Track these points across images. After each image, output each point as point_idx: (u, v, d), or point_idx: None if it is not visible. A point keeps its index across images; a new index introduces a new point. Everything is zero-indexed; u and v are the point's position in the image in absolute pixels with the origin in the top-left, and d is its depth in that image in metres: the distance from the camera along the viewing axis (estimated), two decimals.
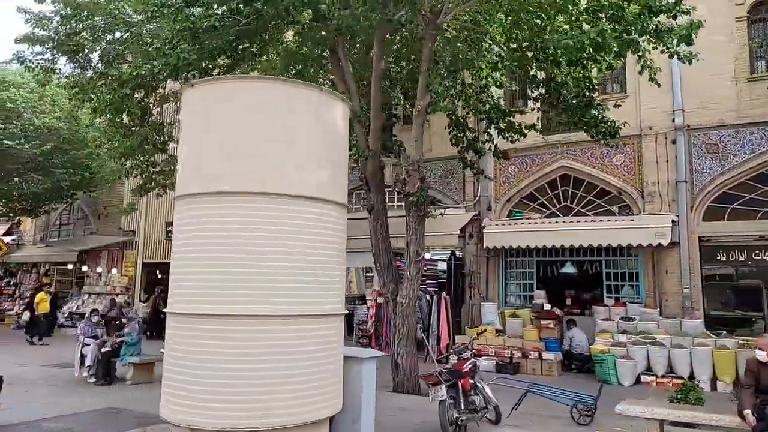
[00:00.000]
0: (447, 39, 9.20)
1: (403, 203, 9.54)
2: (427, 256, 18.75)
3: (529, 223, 14.23)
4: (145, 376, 10.83)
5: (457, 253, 15.26)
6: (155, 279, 22.61)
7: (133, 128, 11.97)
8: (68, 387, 10.35)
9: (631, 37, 7.36)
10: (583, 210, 14.15)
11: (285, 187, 5.40)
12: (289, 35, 11.13)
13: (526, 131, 10.86)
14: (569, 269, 14.32)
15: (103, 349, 10.86)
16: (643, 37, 7.45)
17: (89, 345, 11.03)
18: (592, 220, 13.49)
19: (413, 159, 8.84)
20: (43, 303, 17.77)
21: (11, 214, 22.93)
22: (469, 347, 8.02)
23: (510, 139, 11.19)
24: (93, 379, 10.74)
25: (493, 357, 13.13)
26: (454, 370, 6.99)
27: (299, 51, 10.60)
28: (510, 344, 13.23)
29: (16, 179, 19.78)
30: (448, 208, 15.20)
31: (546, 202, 14.71)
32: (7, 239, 24.42)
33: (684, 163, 12.77)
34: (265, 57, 11.23)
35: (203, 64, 9.44)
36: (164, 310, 6.10)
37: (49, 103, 18.65)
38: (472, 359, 7.52)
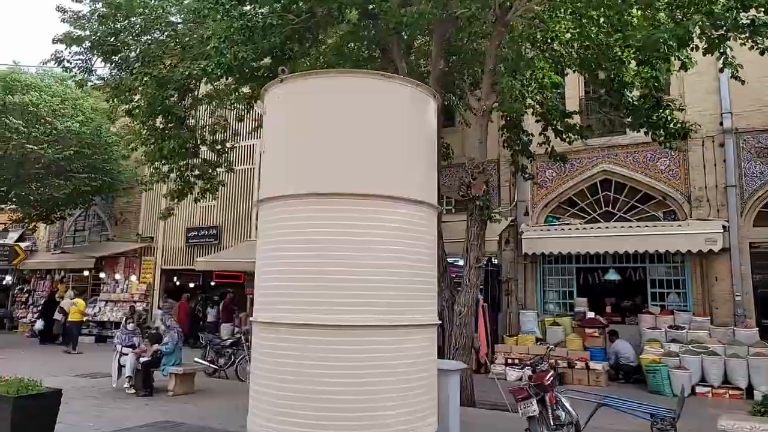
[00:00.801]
0: (511, 37, 8.87)
1: (466, 207, 9.15)
2: (461, 262, 18.46)
3: (570, 229, 13.87)
4: (185, 387, 10.43)
5: (493, 259, 14.89)
6: (173, 286, 22.25)
7: (168, 131, 11.62)
8: (109, 398, 9.94)
9: (719, 32, 7.05)
10: (625, 215, 13.82)
11: (384, 188, 5.04)
12: (333, 36, 10.80)
13: (586, 133, 10.54)
14: (613, 276, 13.94)
15: (141, 359, 10.47)
16: (730, 33, 7.13)
17: (127, 354, 10.64)
18: (637, 226, 13.12)
19: (478, 161, 8.50)
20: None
21: (26, 220, 22.52)
22: (545, 359, 7.63)
23: (568, 140, 10.87)
24: (132, 390, 10.33)
25: None
26: (539, 383, 6.62)
27: (347, 51, 10.28)
28: (553, 354, 12.85)
29: (35, 184, 19.40)
30: None
31: (586, 208, 14.38)
32: (21, 246, 24.04)
33: (733, 167, 12.45)
34: (306, 58, 10.89)
35: (255, 65, 9.10)
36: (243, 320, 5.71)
37: (70, 106, 18.31)
38: (552, 371, 7.13)
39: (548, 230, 14.15)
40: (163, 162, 11.57)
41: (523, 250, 14.14)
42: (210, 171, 12.10)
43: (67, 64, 10.97)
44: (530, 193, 14.80)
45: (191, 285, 22.70)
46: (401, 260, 5.06)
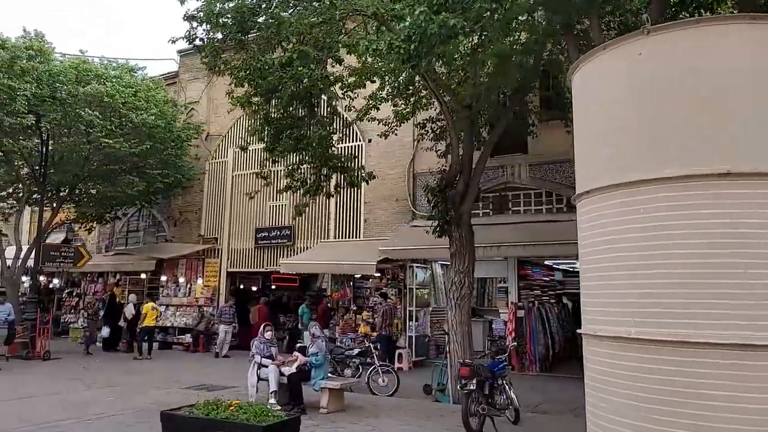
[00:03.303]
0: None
1: None
2: (563, 266, 17.40)
3: None
4: (338, 403, 9.31)
5: None
6: (236, 289, 21.11)
7: (299, 119, 10.51)
8: None
9: None
10: None
11: None
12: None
13: None
14: None
15: (286, 371, 9.37)
16: None
17: (267, 366, 9.52)
18: None
19: None
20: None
21: (81, 221, 21.37)
22: None
23: None
24: (278, 407, 9.19)
25: None
26: None
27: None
28: None
29: (102, 180, 18.27)
30: None
31: None
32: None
33: None
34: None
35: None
36: None
37: (143, 98, 17.20)
38: None
39: None
40: (294, 153, 10.45)
41: None
42: (349, 163, 10.97)
43: (199, 43, 9.89)
44: None
45: (253, 288, 21.61)
46: None
